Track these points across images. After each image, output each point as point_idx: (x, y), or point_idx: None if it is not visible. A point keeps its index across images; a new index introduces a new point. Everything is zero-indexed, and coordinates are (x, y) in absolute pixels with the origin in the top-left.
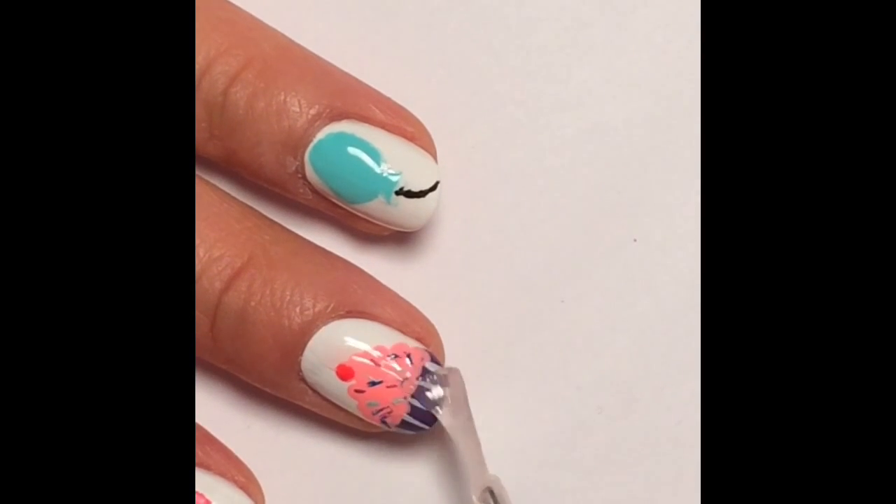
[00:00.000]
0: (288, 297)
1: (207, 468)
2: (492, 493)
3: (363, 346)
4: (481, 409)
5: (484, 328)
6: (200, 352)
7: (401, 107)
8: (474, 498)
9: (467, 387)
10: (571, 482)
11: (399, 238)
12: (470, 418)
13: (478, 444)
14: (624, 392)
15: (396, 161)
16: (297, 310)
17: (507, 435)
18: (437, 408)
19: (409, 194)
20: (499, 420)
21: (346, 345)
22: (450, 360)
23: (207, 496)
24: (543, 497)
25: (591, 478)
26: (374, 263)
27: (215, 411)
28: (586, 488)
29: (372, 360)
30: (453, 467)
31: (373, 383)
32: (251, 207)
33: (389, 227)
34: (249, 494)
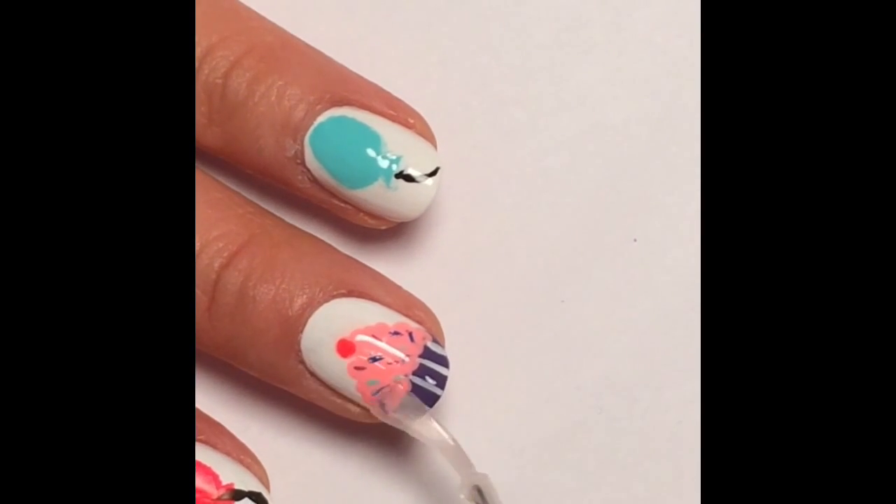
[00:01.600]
0: (289, 275)
1: (214, 447)
2: (479, 491)
3: (365, 321)
4: (481, 409)
5: (484, 328)
6: (196, 338)
7: (402, 101)
8: (462, 496)
9: (467, 386)
10: (571, 482)
11: (398, 238)
12: (436, 427)
13: (457, 447)
14: (624, 392)
15: (397, 145)
16: (299, 286)
17: (507, 435)
18: (439, 386)
19: (409, 178)
20: (499, 420)
21: (346, 321)
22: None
23: (215, 470)
24: (543, 497)
25: (591, 478)
26: (374, 263)
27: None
28: (586, 488)
29: (373, 336)
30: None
31: (374, 359)
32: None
33: (388, 216)
34: (255, 475)
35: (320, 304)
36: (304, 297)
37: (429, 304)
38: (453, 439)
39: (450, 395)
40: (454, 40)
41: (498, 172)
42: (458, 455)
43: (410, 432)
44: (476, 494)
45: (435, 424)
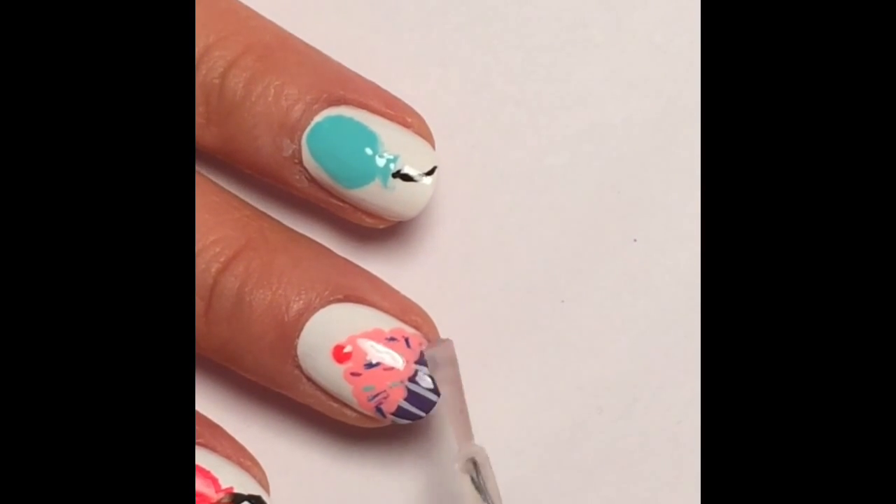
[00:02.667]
0: (286, 280)
1: (213, 450)
2: (475, 463)
3: (362, 327)
4: (481, 409)
5: (484, 328)
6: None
7: (400, 100)
8: (457, 467)
9: (467, 386)
10: (571, 482)
11: (398, 238)
12: (458, 387)
13: (465, 415)
14: (624, 392)
15: (394, 145)
16: (295, 291)
17: (507, 435)
18: (435, 392)
19: (407, 177)
20: (499, 420)
21: (343, 326)
22: None
23: (214, 474)
24: (543, 497)
25: (591, 478)
26: (372, 264)
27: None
28: (586, 488)
29: (369, 340)
30: (452, 469)
31: (369, 365)
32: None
33: (386, 215)
34: (254, 477)
35: (317, 309)
36: (301, 301)
37: (427, 304)
38: (464, 407)
39: None
40: (454, 40)
41: (497, 172)
42: (463, 425)
43: (437, 380)
44: (471, 467)
45: (457, 387)
